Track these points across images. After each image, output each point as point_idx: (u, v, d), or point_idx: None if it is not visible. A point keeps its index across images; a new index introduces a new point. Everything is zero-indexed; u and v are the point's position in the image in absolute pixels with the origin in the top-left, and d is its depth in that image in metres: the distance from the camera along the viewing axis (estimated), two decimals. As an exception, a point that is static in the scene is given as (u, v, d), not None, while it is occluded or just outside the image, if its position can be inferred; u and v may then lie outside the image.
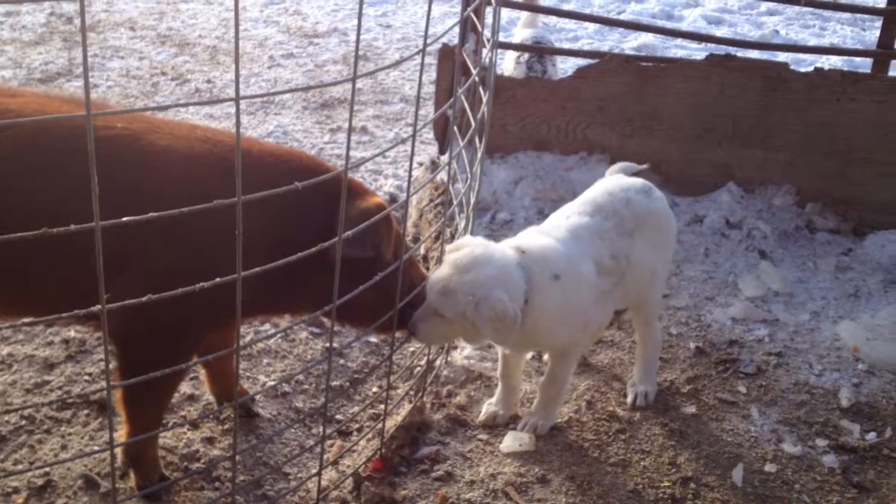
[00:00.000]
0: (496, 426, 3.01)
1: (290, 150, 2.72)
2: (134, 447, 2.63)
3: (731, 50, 4.80)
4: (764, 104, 4.52)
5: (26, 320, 2.30)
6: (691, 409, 3.17)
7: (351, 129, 2.10)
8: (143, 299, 1.83)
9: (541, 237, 2.76)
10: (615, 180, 3.04)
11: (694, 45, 7.29)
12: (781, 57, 4.76)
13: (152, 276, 2.26)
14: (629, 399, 3.15)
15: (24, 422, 2.93)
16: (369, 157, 2.32)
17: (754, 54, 4.97)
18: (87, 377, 3.14)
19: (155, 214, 1.78)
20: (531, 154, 4.79)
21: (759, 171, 4.62)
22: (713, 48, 5.08)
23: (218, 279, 1.92)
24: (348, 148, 2.08)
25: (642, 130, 4.70)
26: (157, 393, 2.56)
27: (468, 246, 2.56)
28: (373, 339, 3.61)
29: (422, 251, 4.28)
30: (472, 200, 3.43)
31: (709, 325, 3.70)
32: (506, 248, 2.63)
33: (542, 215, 4.52)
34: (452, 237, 3.89)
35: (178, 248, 2.30)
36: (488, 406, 3.06)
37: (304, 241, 2.15)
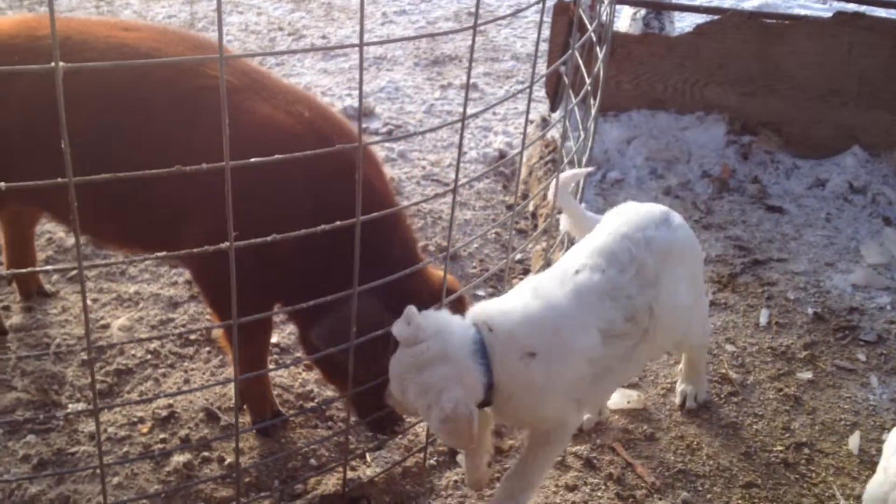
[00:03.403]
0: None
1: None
2: (244, 384, 2.72)
3: (860, 8, 4.58)
4: (893, 65, 4.31)
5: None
6: (807, 375, 3.09)
7: (469, 84, 2.10)
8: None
9: (529, 301, 2.25)
10: (630, 215, 2.51)
11: (818, 4, 7.00)
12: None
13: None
14: (677, 400, 2.92)
15: (149, 356, 3.07)
16: (482, 111, 2.32)
17: (880, 13, 4.75)
18: (208, 316, 3.25)
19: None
20: (645, 112, 4.70)
21: (887, 135, 4.42)
22: (838, 6, 4.87)
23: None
24: (466, 104, 2.09)
25: (763, 90, 4.54)
26: (248, 335, 2.60)
27: (425, 340, 2.11)
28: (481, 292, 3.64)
29: (530, 207, 4.27)
30: (585, 158, 3.40)
31: (828, 291, 3.58)
32: (468, 329, 2.17)
33: (654, 175, 4.45)
34: (563, 195, 3.86)
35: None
36: (467, 474, 2.48)
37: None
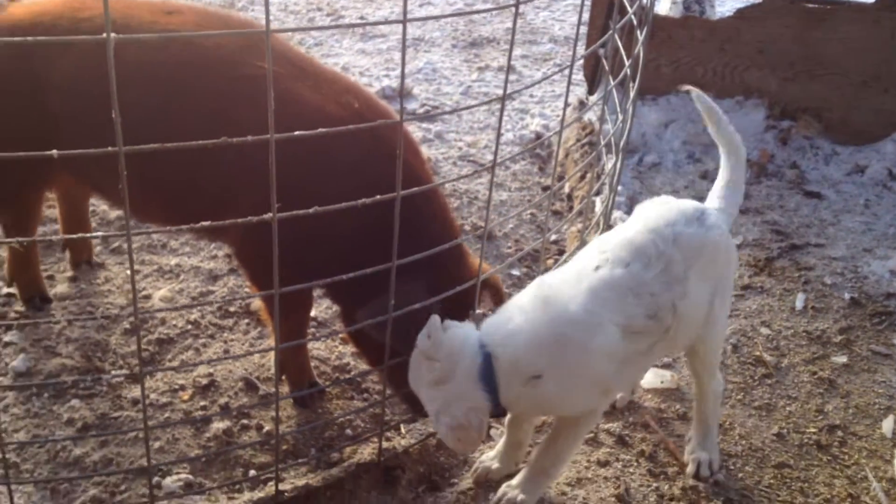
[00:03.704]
0: (488, 483, 2.52)
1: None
2: (284, 356, 2.77)
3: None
4: (938, 51, 4.27)
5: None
6: (842, 359, 3.09)
7: (510, 63, 2.12)
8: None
9: (536, 315, 2.18)
10: (660, 208, 2.37)
11: (862, -10, 6.90)
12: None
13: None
14: (690, 469, 2.56)
15: (189, 327, 3.13)
16: (521, 89, 2.34)
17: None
18: (247, 288, 3.32)
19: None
20: (684, 96, 4.68)
21: (929, 122, 4.38)
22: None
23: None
24: (506, 82, 2.11)
25: (804, 75, 4.51)
26: (288, 310, 2.65)
27: (438, 360, 2.16)
28: (515, 272, 3.67)
29: (566, 190, 4.28)
30: (623, 141, 3.40)
31: (865, 277, 3.57)
32: (477, 355, 2.15)
33: (692, 159, 4.44)
34: (598, 177, 3.88)
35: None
36: (483, 461, 2.56)
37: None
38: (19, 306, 3.16)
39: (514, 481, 2.39)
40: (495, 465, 2.52)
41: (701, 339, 2.39)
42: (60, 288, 3.28)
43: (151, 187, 2.61)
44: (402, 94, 1.98)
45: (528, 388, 2.14)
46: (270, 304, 2.56)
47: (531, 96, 5.33)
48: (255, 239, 2.33)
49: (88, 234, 2.63)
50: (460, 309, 2.40)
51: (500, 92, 2.18)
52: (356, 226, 2.35)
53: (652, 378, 2.93)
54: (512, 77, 5.68)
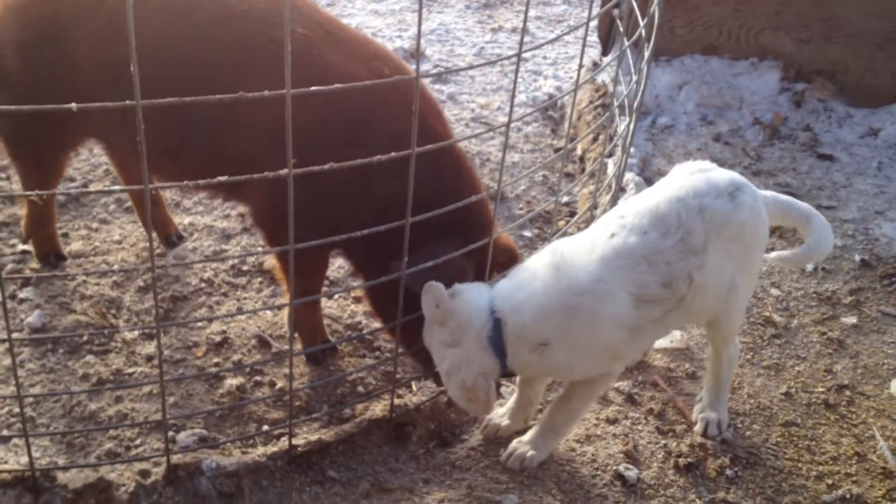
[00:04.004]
0: (498, 439, 2.55)
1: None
2: (298, 315, 2.79)
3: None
4: (956, 12, 4.23)
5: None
6: (852, 320, 3.10)
7: (525, 25, 2.11)
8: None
9: (547, 282, 2.19)
10: (693, 177, 2.31)
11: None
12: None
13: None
14: (698, 428, 2.57)
15: (203, 285, 3.16)
16: (535, 47, 2.33)
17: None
18: (260, 247, 3.34)
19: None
20: (698, 58, 4.66)
21: (945, 85, 4.35)
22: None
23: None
24: (521, 41, 2.11)
25: (819, 37, 4.47)
26: (305, 271, 2.66)
27: (448, 326, 2.20)
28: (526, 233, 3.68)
29: (578, 151, 4.27)
30: (637, 102, 3.39)
31: (876, 239, 3.57)
32: (487, 321, 2.18)
33: (705, 122, 4.43)
34: (611, 139, 3.87)
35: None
36: (493, 417, 2.58)
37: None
38: (34, 263, 3.20)
39: (526, 437, 2.43)
40: (505, 421, 2.55)
41: (721, 312, 2.38)
42: (75, 245, 3.31)
43: (178, 146, 2.62)
44: (419, 53, 1.98)
45: (536, 355, 2.18)
46: (286, 263, 2.58)
47: (544, 58, 5.30)
48: (275, 201, 2.33)
49: (106, 189, 2.64)
50: (484, 269, 2.46)
51: (514, 53, 2.17)
52: (387, 187, 2.35)
53: (662, 338, 2.94)
54: (525, 39, 5.63)
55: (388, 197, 2.35)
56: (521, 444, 2.41)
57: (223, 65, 2.49)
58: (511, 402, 2.58)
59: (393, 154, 2.03)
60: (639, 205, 2.26)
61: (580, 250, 2.21)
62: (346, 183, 2.35)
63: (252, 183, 1.93)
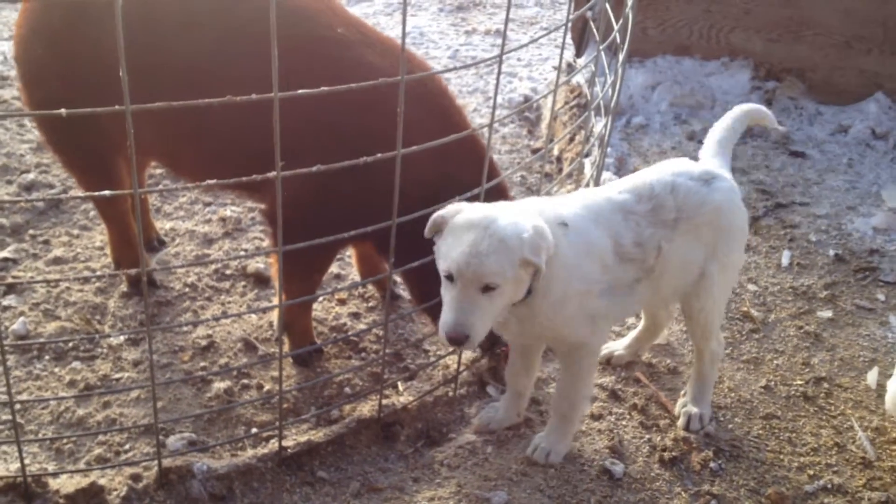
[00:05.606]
0: (489, 433, 2.61)
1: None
2: (288, 316, 2.81)
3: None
4: (922, 11, 4.33)
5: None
6: (828, 314, 3.17)
7: (507, 27, 2.15)
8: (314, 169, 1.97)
9: (577, 209, 2.31)
10: (676, 161, 2.53)
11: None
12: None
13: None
14: (680, 422, 2.63)
15: (187, 289, 3.17)
16: (516, 49, 2.37)
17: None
18: (243, 251, 3.35)
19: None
20: (670, 58, 4.73)
21: (911, 82, 4.45)
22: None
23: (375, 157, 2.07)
24: (504, 39, 2.14)
25: (788, 36, 4.56)
26: (305, 271, 2.73)
27: (463, 210, 2.15)
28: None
29: (555, 152, 4.32)
30: (613, 102, 3.44)
31: (849, 234, 3.64)
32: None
33: (678, 121, 4.49)
34: (587, 139, 3.92)
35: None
36: (486, 409, 2.67)
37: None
38: (17, 270, 3.19)
39: (544, 432, 2.53)
40: (499, 414, 2.62)
41: (692, 297, 2.47)
42: (57, 252, 3.30)
43: (209, 141, 2.64)
44: (403, 55, 2.02)
45: (559, 231, 2.19)
46: (291, 264, 2.52)
47: (518, 59, 5.35)
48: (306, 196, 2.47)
49: (94, 194, 2.62)
50: None
51: (489, 55, 2.21)
52: (424, 174, 2.45)
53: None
54: (498, 40, 5.69)
55: (427, 185, 2.46)
56: (541, 439, 2.51)
57: (258, 61, 2.51)
58: (504, 396, 2.65)
59: (416, 147, 2.18)
60: (630, 176, 2.47)
61: (600, 195, 2.39)
62: (390, 174, 2.36)
63: (271, 185, 1.98)
